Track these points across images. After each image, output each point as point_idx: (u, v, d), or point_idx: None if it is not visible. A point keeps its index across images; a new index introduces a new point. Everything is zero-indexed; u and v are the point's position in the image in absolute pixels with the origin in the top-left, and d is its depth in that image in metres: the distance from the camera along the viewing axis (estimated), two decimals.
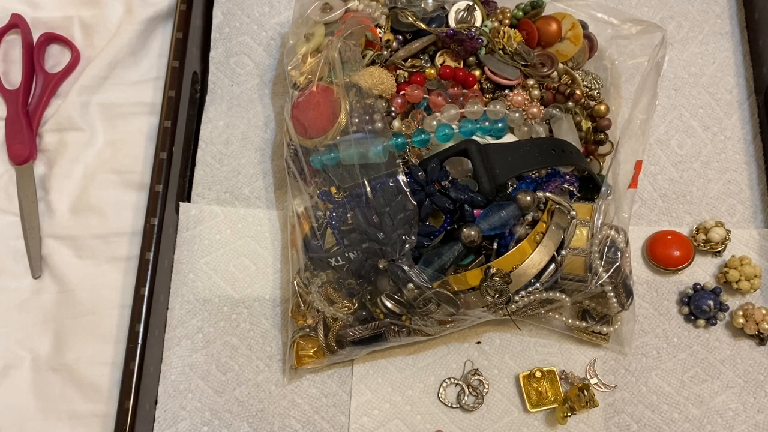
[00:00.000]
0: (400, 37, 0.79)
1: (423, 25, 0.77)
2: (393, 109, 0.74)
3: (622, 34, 0.81)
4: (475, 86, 0.76)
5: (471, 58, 0.77)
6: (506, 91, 0.77)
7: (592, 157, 0.79)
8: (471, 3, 0.78)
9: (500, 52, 0.77)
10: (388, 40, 0.78)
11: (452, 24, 0.78)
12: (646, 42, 0.79)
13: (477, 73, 0.77)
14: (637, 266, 0.81)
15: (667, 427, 0.75)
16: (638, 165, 0.74)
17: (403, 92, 0.75)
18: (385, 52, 0.77)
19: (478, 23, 0.78)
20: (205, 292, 0.77)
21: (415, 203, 0.67)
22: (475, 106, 0.73)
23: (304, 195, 0.73)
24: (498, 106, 0.73)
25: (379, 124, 0.71)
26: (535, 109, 0.74)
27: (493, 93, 0.77)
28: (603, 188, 0.71)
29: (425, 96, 0.74)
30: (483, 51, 0.77)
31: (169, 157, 0.77)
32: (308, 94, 0.73)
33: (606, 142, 0.79)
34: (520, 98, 0.74)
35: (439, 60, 0.78)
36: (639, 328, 0.78)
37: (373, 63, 0.76)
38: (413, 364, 0.76)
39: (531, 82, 0.77)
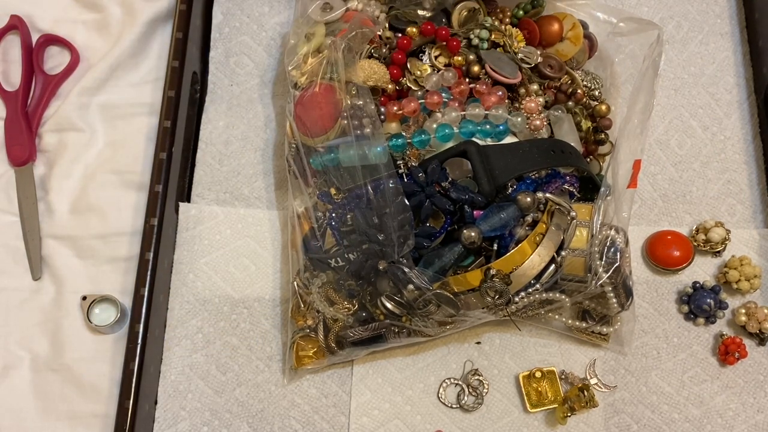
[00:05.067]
0: (399, 34, 0.79)
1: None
2: (395, 108, 0.74)
3: (618, 32, 0.80)
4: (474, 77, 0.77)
5: (472, 56, 0.77)
6: (515, 94, 0.76)
7: (592, 157, 0.79)
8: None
9: (501, 48, 0.77)
10: (388, 38, 0.78)
11: (455, 24, 0.78)
12: (645, 41, 0.79)
13: (476, 69, 0.77)
14: (637, 266, 0.81)
15: (667, 427, 0.75)
16: (637, 165, 0.74)
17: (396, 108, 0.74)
18: (384, 50, 0.77)
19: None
20: (205, 292, 0.77)
21: (409, 205, 0.67)
22: (476, 110, 0.72)
23: (304, 195, 0.74)
24: (500, 111, 0.73)
25: (378, 124, 0.71)
26: (538, 122, 0.73)
27: None
28: (602, 188, 0.71)
29: (421, 101, 0.74)
30: (485, 45, 0.77)
31: (168, 158, 0.77)
32: (311, 93, 0.73)
33: (606, 142, 0.79)
34: (533, 105, 0.74)
35: (434, 53, 0.78)
36: (639, 328, 0.78)
37: (370, 57, 0.76)
38: (413, 365, 0.76)
39: (535, 87, 0.76)
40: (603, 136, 0.79)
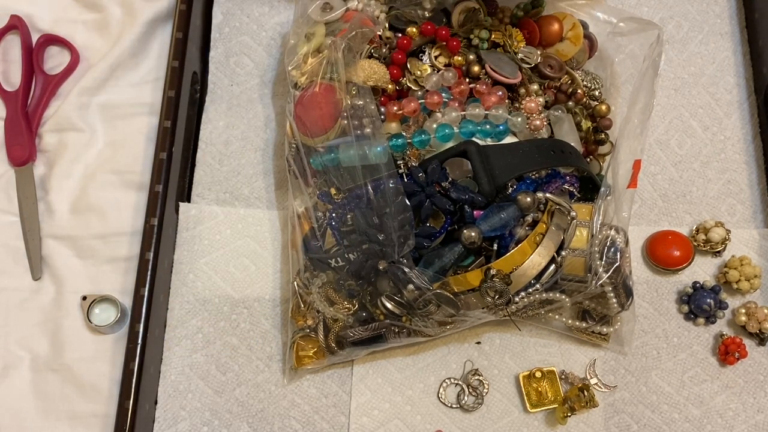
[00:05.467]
0: (399, 34, 0.79)
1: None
2: (395, 108, 0.74)
3: (618, 32, 0.80)
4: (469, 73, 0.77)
5: (472, 56, 0.77)
6: (515, 94, 0.76)
7: (592, 157, 0.79)
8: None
9: (501, 48, 0.77)
10: (388, 38, 0.78)
11: (455, 24, 0.78)
12: (645, 41, 0.79)
13: (476, 69, 0.77)
14: (637, 266, 0.81)
15: (667, 427, 0.75)
16: (637, 164, 0.74)
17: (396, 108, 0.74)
18: (384, 50, 0.77)
19: None
20: (205, 292, 0.77)
21: (409, 205, 0.67)
22: (476, 110, 0.72)
23: (304, 195, 0.73)
24: (500, 111, 0.73)
25: (379, 124, 0.71)
26: (538, 122, 0.73)
27: None
28: (602, 188, 0.71)
29: (421, 101, 0.74)
30: (485, 45, 0.77)
31: (168, 158, 0.77)
32: (311, 93, 0.73)
33: (606, 142, 0.79)
34: (533, 105, 0.74)
35: (434, 53, 0.78)
36: (639, 328, 0.78)
37: (370, 57, 0.76)
38: (413, 365, 0.76)
39: (535, 87, 0.76)
40: (603, 136, 0.79)
